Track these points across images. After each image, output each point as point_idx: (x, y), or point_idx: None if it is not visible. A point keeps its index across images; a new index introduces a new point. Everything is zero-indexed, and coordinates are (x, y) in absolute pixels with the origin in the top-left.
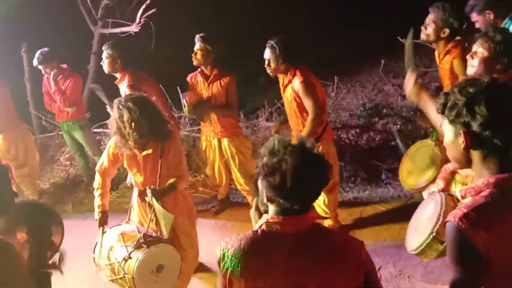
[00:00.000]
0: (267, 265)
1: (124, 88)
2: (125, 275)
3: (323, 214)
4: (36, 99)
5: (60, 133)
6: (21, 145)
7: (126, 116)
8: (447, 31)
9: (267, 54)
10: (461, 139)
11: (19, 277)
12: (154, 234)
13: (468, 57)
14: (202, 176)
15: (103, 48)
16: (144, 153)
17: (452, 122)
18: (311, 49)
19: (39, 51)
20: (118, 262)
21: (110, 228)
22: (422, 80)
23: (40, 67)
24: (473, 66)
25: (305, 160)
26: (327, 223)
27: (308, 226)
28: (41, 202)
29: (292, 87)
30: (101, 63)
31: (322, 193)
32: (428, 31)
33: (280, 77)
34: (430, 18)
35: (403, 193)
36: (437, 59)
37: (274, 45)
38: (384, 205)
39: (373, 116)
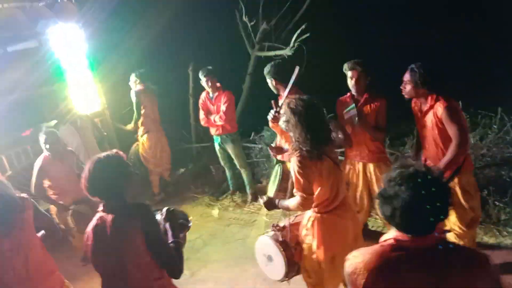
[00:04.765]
0: (398, 279)
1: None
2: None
3: None
4: (196, 113)
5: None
6: (159, 146)
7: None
8: None
9: (407, 76)
10: None
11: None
12: (280, 234)
13: None
14: None
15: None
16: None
17: None
18: (469, 74)
19: (205, 68)
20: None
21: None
22: None
23: (204, 79)
24: None
25: (418, 195)
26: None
27: (433, 241)
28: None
29: (435, 113)
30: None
31: (461, 229)
32: None
33: (416, 104)
34: None
35: None
36: None
37: (415, 69)
38: None
39: None
